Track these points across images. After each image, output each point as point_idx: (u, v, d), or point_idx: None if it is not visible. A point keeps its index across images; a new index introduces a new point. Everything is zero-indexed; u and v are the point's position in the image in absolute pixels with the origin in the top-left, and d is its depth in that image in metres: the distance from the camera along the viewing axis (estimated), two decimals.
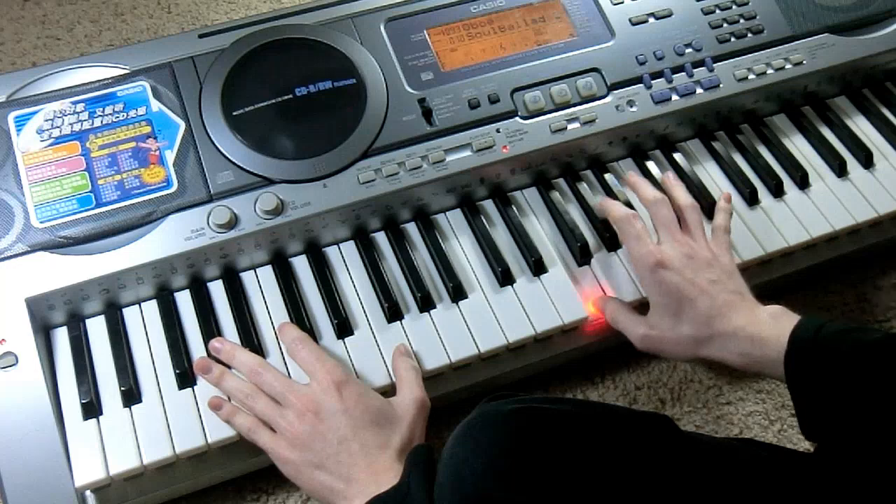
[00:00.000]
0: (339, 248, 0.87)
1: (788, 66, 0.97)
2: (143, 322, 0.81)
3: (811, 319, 0.71)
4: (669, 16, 0.97)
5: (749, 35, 0.97)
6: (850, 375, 0.66)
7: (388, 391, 0.78)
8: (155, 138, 0.85)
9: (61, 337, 0.80)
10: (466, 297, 0.84)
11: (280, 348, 0.80)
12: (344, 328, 0.81)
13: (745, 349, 0.72)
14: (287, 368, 0.78)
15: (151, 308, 0.82)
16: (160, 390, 0.77)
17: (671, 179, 0.87)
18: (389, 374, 0.79)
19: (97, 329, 0.80)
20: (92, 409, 0.75)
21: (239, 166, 0.84)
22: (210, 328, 0.80)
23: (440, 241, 0.88)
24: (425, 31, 0.93)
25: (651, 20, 0.97)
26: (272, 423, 0.73)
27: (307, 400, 0.72)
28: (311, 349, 0.76)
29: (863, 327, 0.68)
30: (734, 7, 0.99)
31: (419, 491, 0.62)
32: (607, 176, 0.93)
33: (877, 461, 0.66)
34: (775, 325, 0.72)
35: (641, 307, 0.86)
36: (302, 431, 0.71)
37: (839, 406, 0.66)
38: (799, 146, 0.98)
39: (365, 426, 0.71)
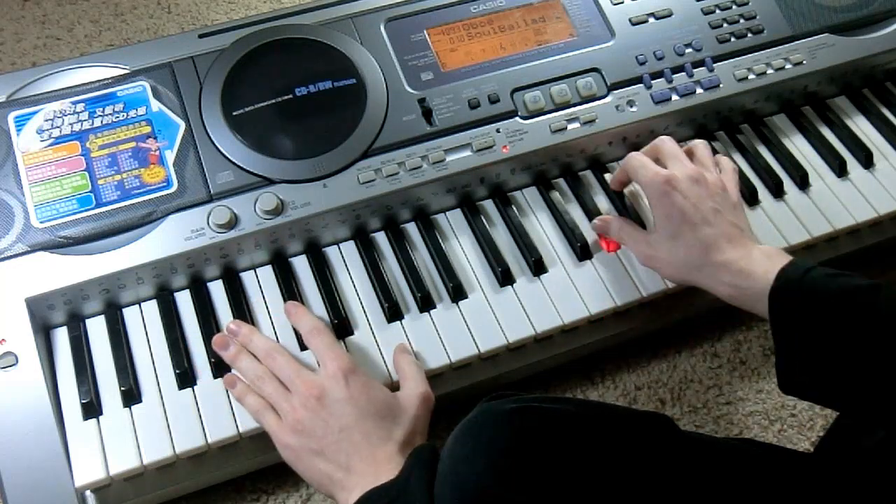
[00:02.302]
0: (339, 248, 0.87)
1: (788, 66, 0.97)
2: (143, 322, 0.81)
3: (802, 261, 0.71)
4: (669, 16, 0.97)
5: (749, 35, 0.97)
6: (833, 317, 0.66)
7: (392, 390, 0.78)
8: (155, 138, 0.85)
9: (61, 337, 0.80)
10: (466, 297, 0.84)
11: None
12: (344, 328, 0.81)
13: (734, 281, 0.73)
14: None
15: (151, 308, 0.82)
16: (160, 390, 0.77)
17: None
18: (389, 374, 0.79)
19: (97, 329, 0.80)
20: (92, 409, 0.75)
21: (239, 166, 0.84)
22: (210, 328, 0.80)
23: (440, 241, 0.88)
24: (425, 31, 0.93)
25: (651, 20, 0.97)
26: (277, 407, 0.73)
27: (312, 386, 0.72)
28: (324, 338, 0.76)
29: (851, 274, 0.68)
30: (734, 7, 0.99)
31: (421, 490, 0.62)
32: (607, 176, 0.93)
33: (851, 407, 0.66)
34: (766, 261, 0.72)
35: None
36: (304, 417, 0.71)
37: (820, 348, 0.66)
38: (799, 146, 0.98)
39: (368, 416, 0.71)
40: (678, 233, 0.77)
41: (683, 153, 0.83)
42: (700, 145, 0.85)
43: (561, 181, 0.94)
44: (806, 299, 0.68)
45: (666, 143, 0.84)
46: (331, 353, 0.74)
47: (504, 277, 0.85)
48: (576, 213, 0.91)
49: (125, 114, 0.86)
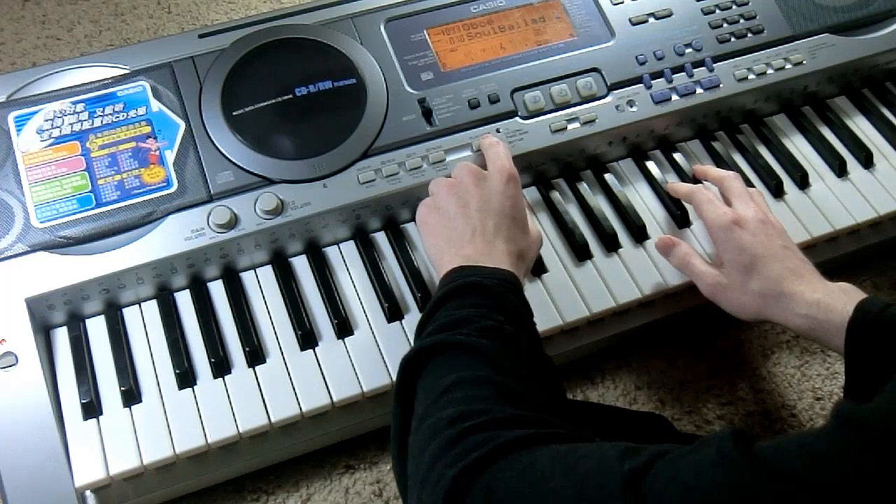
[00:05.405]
0: (339, 248, 0.87)
1: (788, 66, 0.97)
2: (143, 322, 0.81)
3: (880, 299, 0.71)
4: (669, 16, 0.97)
5: (749, 35, 0.97)
6: None
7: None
8: (155, 138, 0.85)
9: (61, 337, 0.80)
10: None
11: (280, 348, 0.80)
12: (344, 328, 0.81)
13: (811, 312, 0.72)
14: (287, 368, 0.78)
15: (151, 308, 0.82)
16: (160, 390, 0.77)
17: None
18: (389, 374, 0.79)
19: (97, 329, 0.80)
20: (92, 409, 0.75)
21: (239, 166, 0.84)
22: (210, 328, 0.80)
23: None
24: (425, 31, 0.93)
25: (651, 20, 0.97)
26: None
27: (481, 171, 0.81)
28: (506, 148, 0.84)
29: None
30: (734, 7, 0.99)
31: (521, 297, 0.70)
32: (607, 176, 0.93)
33: None
34: (843, 295, 0.72)
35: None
36: (463, 183, 0.79)
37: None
38: (799, 146, 0.98)
39: (506, 215, 0.77)
40: (751, 266, 0.77)
41: (750, 197, 0.83)
42: (756, 193, 0.85)
43: (561, 181, 0.94)
44: (885, 333, 0.67)
45: (734, 182, 0.84)
46: (505, 159, 0.82)
47: None
48: (576, 213, 0.91)
49: (125, 114, 0.86)
